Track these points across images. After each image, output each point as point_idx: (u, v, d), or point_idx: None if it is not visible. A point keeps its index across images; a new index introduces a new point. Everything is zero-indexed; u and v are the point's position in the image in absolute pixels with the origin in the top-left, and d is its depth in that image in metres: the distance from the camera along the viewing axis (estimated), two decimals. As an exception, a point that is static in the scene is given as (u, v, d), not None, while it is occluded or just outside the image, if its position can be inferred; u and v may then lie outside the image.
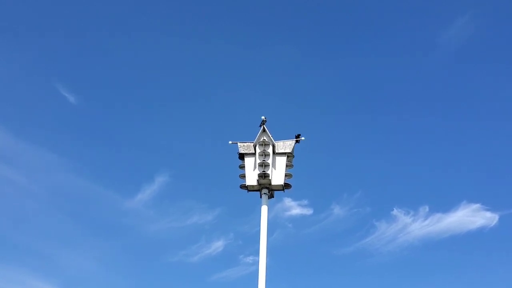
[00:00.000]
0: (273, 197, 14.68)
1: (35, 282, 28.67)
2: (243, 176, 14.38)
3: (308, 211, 34.55)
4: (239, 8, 36.94)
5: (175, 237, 33.22)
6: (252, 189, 14.40)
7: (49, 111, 33.50)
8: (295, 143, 14.82)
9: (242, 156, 14.54)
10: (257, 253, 13.60)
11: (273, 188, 14.46)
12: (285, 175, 14.47)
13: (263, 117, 14.36)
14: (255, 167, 14.32)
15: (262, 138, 14.33)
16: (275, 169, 14.44)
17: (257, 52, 36.91)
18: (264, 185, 14.28)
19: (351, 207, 35.06)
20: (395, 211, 34.75)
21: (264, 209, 14.18)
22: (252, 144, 14.47)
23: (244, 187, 14.36)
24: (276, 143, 14.65)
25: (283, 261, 33.61)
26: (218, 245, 32.85)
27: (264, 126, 14.38)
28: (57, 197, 32.56)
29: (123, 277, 31.69)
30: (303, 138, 14.96)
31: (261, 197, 14.30)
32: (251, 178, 14.28)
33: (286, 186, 14.47)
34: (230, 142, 14.60)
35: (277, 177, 14.39)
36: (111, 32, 35.37)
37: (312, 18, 37.67)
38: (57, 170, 33.00)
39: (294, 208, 34.35)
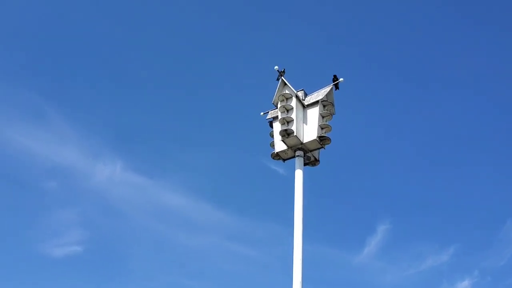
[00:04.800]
0: (317, 161, 11.48)
1: None
2: (273, 145, 11.62)
3: None
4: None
5: (414, 284, 29.50)
6: (285, 156, 11.45)
7: (266, 185, 33.76)
8: (333, 88, 11.63)
9: (272, 124, 11.86)
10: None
11: (309, 148, 11.32)
12: (321, 128, 11.27)
13: (276, 68, 11.66)
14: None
15: (283, 92, 11.55)
16: (306, 124, 11.39)
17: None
18: (295, 146, 11.27)
19: None
20: None
21: (299, 173, 11.07)
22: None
23: (276, 156, 11.53)
24: (309, 96, 11.70)
25: None
26: (464, 285, 28.03)
27: (283, 78, 11.62)
28: (288, 264, 31.66)
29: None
30: (341, 79, 11.70)
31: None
32: (280, 143, 11.44)
33: (322, 140, 11.22)
34: (261, 113, 12.08)
35: (309, 132, 11.29)
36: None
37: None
38: (284, 239, 32.31)
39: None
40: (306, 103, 11.52)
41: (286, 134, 11.13)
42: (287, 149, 11.32)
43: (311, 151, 11.34)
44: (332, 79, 11.67)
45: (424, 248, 31.44)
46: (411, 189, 33.58)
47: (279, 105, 11.44)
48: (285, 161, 11.52)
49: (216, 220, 31.71)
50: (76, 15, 32.49)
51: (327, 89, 11.57)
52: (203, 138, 33.16)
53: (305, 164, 11.45)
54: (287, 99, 11.42)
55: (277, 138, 11.44)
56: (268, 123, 11.81)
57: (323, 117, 11.34)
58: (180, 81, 33.80)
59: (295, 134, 11.07)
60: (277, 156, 11.48)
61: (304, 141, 11.19)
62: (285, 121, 11.22)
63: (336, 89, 11.66)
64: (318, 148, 11.32)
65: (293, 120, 11.18)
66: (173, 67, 33.84)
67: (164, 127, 33.62)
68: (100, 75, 33.35)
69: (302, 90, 11.72)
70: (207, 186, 32.56)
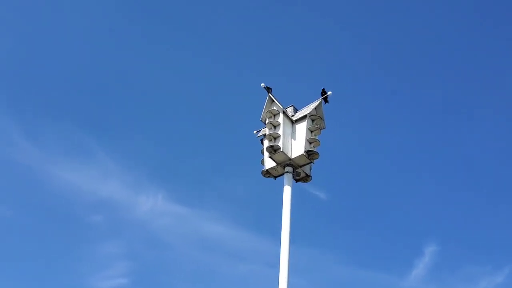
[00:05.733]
0: (309, 177, 11.24)
1: None
2: (263, 162, 11.44)
3: None
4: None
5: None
6: (276, 173, 11.26)
7: (307, 211, 33.41)
8: (322, 101, 11.43)
9: (263, 142, 11.70)
10: None
11: (298, 164, 11.09)
12: (309, 142, 11.05)
13: (262, 85, 11.53)
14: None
15: (271, 109, 11.41)
16: (294, 139, 11.19)
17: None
18: (284, 162, 11.06)
19: None
20: None
21: (287, 190, 10.85)
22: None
23: (266, 174, 11.34)
24: (299, 111, 11.53)
25: None
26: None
27: (270, 94, 11.48)
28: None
29: None
30: (330, 92, 11.49)
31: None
32: (270, 160, 11.26)
33: (310, 155, 10.97)
34: (254, 131, 11.94)
35: (297, 147, 11.08)
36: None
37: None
38: (329, 265, 31.70)
39: None
40: (294, 118, 11.34)
41: (273, 150, 10.96)
42: (277, 166, 11.12)
43: (300, 166, 11.11)
44: (320, 92, 11.48)
45: (476, 270, 30.36)
46: (455, 207, 32.62)
47: (267, 122, 11.30)
48: (276, 178, 11.32)
49: (258, 248, 31.49)
50: (116, 52, 33.46)
51: (315, 103, 11.37)
52: (241, 166, 33.28)
53: (297, 181, 11.26)
54: (274, 115, 11.28)
55: (267, 155, 11.26)
56: (260, 141, 11.66)
57: (311, 131, 11.13)
58: (212, 112, 34.10)
59: (281, 150, 10.88)
60: (267, 173, 11.29)
61: (292, 157, 10.99)
62: (271, 137, 11.06)
63: (326, 103, 11.45)
64: (307, 163, 11.07)
65: (280, 136, 11.00)
66: (205, 100, 34.22)
67: (202, 157, 33.93)
68: (140, 110, 34.05)
69: (291, 106, 11.57)
70: (247, 214, 32.52)
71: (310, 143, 11.03)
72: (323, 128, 11.30)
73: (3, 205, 30.78)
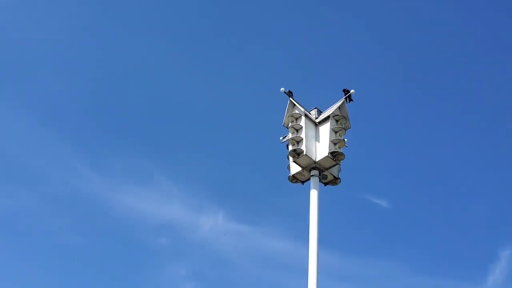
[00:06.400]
0: (337, 179, 10.79)
1: None
2: (289, 168, 11.09)
3: None
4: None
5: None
6: (303, 178, 10.88)
7: (369, 220, 32.52)
8: (345, 101, 11.02)
9: (288, 147, 11.36)
10: None
11: (324, 166, 10.68)
12: (333, 143, 10.63)
13: (282, 89, 11.21)
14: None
15: (292, 113, 11.07)
16: (318, 142, 10.80)
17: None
18: (309, 166, 10.68)
19: None
20: None
21: (314, 194, 10.45)
22: (295, 127, 11.24)
23: (294, 179, 10.97)
24: (323, 113, 11.16)
25: None
26: None
27: (291, 98, 11.15)
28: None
29: None
30: (352, 91, 11.07)
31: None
32: (296, 165, 10.91)
33: (335, 156, 10.54)
34: (281, 138, 11.62)
35: (322, 149, 10.69)
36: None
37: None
38: (398, 275, 30.67)
39: None
40: (318, 120, 10.97)
41: (296, 154, 10.61)
42: (302, 170, 10.76)
43: (327, 169, 10.70)
44: (343, 92, 11.08)
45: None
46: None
47: (289, 126, 10.97)
48: (304, 183, 10.94)
49: (320, 261, 30.90)
50: (169, 77, 34.00)
51: (339, 103, 10.98)
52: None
53: (325, 184, 10.86)
54: (296, 119, 10.94)
55: (292, 160, 10.92)
56: (286, 146, 11.33)
57: (335, 132, 10.72)
58: (263, 128, 34.02)
59: (305, 153, 10.52)
60: (294, 179, 10.93)
61: (317, 159, 10.60)
62: (294, 141, 10.72)
63: (350, 101, 11.04)
64: (333, 165, 10.65)
65: (302, 139, 10.65)
66: (253, 121, 34.10)
67: (256, 176, 33.77)
68: (194, 137, 34.37)
69: (315, 108, 11.21)
70: (308, 228, 32.02)
71: (335, 144, 10.61)
72: (349, 128, 10.88)
73: (71, 233, 31.63)
